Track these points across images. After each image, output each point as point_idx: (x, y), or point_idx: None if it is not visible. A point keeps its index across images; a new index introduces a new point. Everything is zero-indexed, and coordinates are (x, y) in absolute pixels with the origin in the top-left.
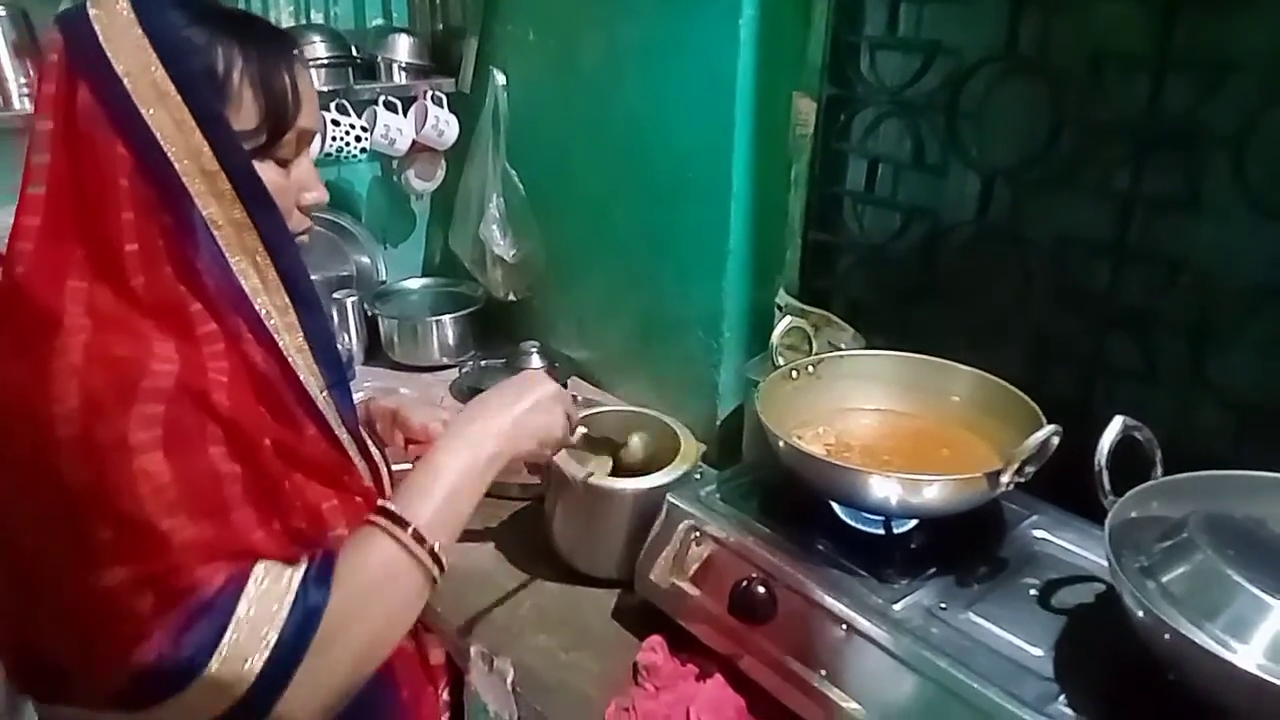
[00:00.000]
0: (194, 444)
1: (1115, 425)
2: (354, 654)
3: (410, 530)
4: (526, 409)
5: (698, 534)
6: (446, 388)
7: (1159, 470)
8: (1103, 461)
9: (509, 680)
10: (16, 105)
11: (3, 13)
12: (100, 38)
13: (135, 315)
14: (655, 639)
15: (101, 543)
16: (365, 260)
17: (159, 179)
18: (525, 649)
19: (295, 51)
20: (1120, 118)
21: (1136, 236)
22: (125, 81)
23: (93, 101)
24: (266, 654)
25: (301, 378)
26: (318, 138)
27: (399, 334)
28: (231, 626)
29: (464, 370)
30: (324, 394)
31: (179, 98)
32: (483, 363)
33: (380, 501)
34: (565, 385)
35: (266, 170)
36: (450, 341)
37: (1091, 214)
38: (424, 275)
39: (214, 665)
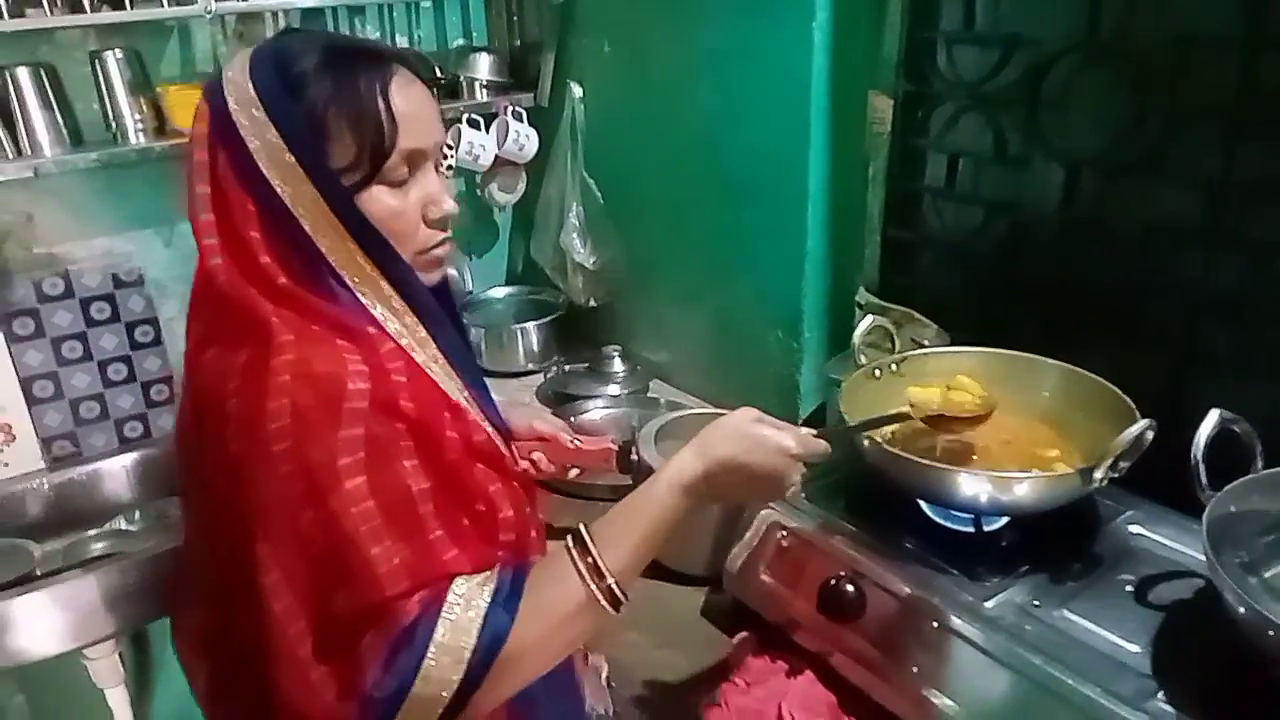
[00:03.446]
0: (391, 462)
1: (1212, 418)
2: (528, 671)
3: (589, 561)
4: (750, 490)
5: (785, 532)
6: (532, 393)
7: (1259, 463)
8: (1199, 455)
9: (603, 675)
10: (133, 140)
11: (119, 55)
12: (230, 102)
13: (320, 328)
14: (745, 636)
15: (317, 559)
16: (452, 272)
17: (284, 228)
18: (618, 645)
19: (392, 74)
20: (1209, 101)
21: (1228, 222)
22: (249, 144)
23: (228, 164)
24: (461, 673)
25: (441, 386)
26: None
27: (486, 341)
28: (431, 652)
29: (548, 375)
30: (464, 394)
31: (287, 150)
32: (566, 367)
33: (581, 530)
34: (646, 389)
35: (380, 195)
36: (535, 348)
37: (1181, 201)
38: (508, 284)
39: (417, 687)
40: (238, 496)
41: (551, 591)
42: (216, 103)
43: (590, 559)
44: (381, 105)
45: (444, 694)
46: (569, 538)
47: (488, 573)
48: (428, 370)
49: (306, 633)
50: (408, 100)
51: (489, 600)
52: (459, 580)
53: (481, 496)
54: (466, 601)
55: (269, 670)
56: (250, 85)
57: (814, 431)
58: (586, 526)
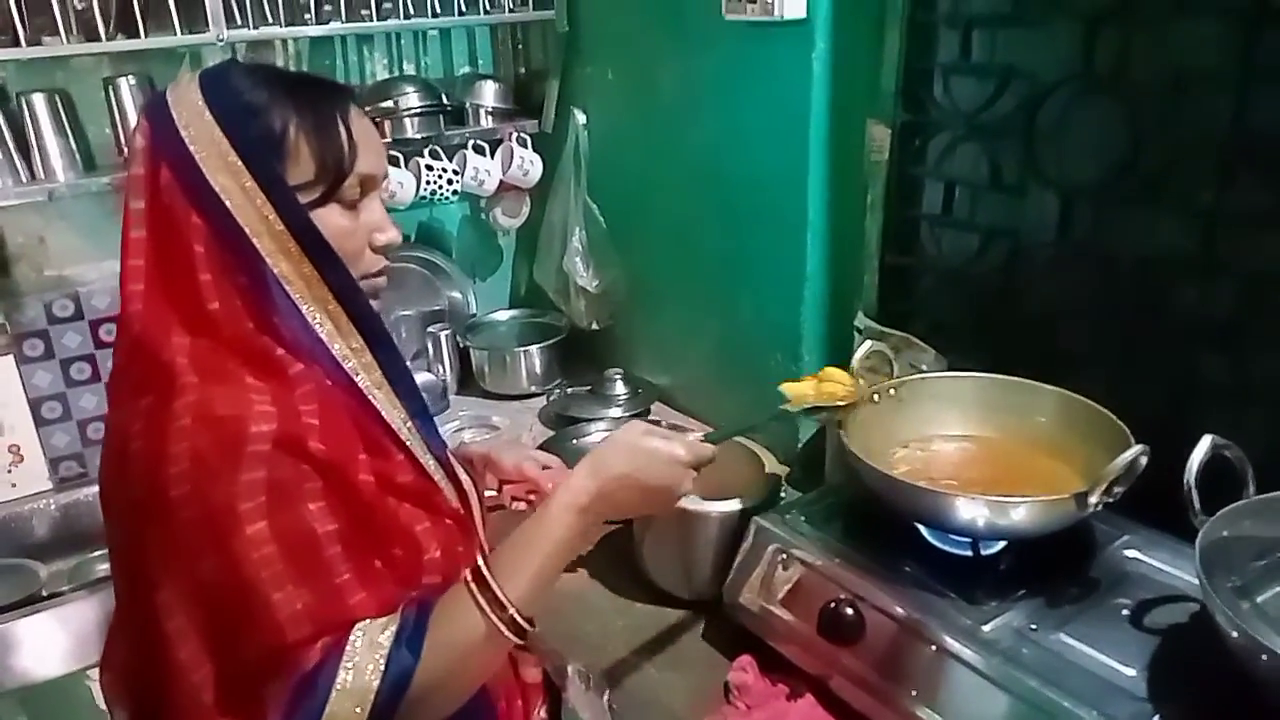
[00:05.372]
0: (295, 505)
1: (1204, 444)
2: (438, 708)
3: (490, 595)
4: (645, 503)
5: (784, 556)
6: (535, 415)
7: (1251, 489)
8: (1192, 481)
9: (605, 697)
10: None
11: (132, 81)
12: (175, 120)
13: (234, 364)
14: (745, 659)
15: (219, 605)
16: (457, 295)
17: (231, 242)
18: (619, 668)
19: (350, 102)
20: (1203, 134)
21: (1223, 252)
22: (196, 157)
23: (171, 178)
24: (366, 717)
25: (383, 412)
26: (410, 180)
27: (489, 364)
28: (333, 698)
29: (551, 398)
30: (407, 424)
31: (242, 165)
32: (569, 390)
33: (480, 564)
34: (648, 412)
35: (331, 215)
36: (538, 370)
37: (1176, 231)
38: (511, 307)
39: None
40: (142, 542)
41: (454, 627)
42: (159, 118)
43: (490, 592)
44: (342, 128)
45: None
46: (467, 572)
47: (390, 615)
48: (370, 397)
49: (210, 680)
50: (363, 129)
51: (391, 640)
52: (360, 624)
53: (401, 538)
54: (369, 644)
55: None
56: (201, 101)
57: (700, 436)
58: (484, 559)
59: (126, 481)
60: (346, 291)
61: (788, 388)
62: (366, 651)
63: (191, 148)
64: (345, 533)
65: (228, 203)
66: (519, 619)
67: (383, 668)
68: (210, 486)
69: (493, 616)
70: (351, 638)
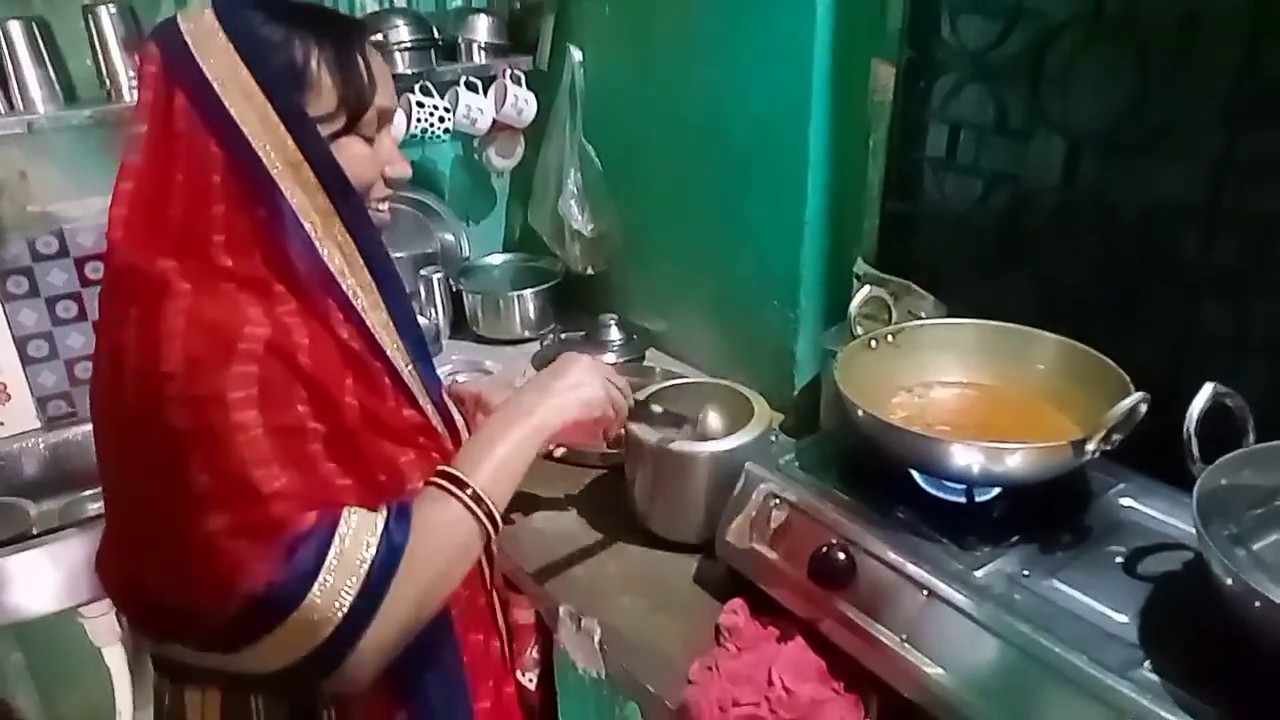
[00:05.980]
0: (283, 400)
1: (1205, 392)
2: (420, 595)
3: (470, 491)
4: (564, 383)
5: (777, 500)
6: (529, 359)
7: (1251, 438)
8: (1192, 428)
9: (596, 639)
10: (127, 97)
11: (113, 10)
12: (191, 47)
13: (225, 283)
14: (736, 601)
15: (201, 488)
16: (449, 237)
17: (249, 173)
18: (611, 610)
19: (366, 36)
20: (1212, 80)
21: (1229, 201)
22: (215, 85)
23: (188, 106)
24: (359, 586)
25: (388, 352)
26: (400, 117)
27: (482, 308)
28: (331, 554)
29: (545, 343)
30: (409, 368)
31: (263, 96)
32: (563, 335)
33: (441, 466)
34: (643, 358)
35: (353, 145)
36: (531, 315)
37: (1182, 179)
38: (505, 251)
39: (315, 591)
40: (133, 447)
41: (437, 516)
42: (172, 45)
43: (470, 489)
44: (363, 62)
45: (337, 611)
46: (439, 477)
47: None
48: (376, 335)
49: (195, 555)
50: (378, 62)
51: (384, 519)
52: (349, 506)
53: (384, 467)
54: (362, 520)
55: (176, 592)
56: (221, 32)
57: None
58: (450, 466)
59: (120, 389)
60: (360, 226)
61: None
62: (361, 528)
63: (209, 74)
64: (329, 441)
65: (247, 132)
66: (495, 513)
67: (378, 538)
68: (200, 382)
69: (474, 509)
70: (344, 513)
